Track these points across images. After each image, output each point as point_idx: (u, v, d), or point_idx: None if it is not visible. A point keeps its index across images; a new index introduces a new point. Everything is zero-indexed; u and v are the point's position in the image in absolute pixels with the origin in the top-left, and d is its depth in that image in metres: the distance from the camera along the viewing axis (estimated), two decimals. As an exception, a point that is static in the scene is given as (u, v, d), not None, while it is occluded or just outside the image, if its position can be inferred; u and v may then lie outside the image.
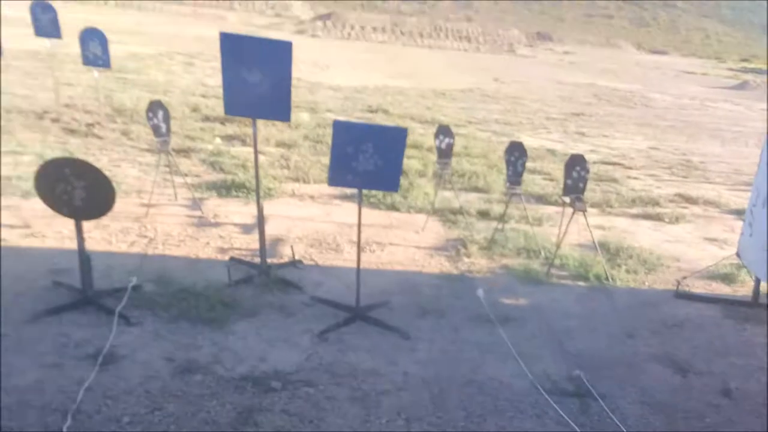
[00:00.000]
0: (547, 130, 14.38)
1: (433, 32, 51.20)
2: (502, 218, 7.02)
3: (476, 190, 8.79)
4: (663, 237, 7.50)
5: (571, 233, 6.40)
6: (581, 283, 5.95)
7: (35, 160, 7.58)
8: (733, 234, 7.63)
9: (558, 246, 6.33)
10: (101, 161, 8.08)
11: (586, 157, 6.34)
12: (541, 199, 8.62)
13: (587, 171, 6.16)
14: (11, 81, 12.68)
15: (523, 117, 15.90)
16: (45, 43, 10.67)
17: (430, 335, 4.69)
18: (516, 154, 6.54)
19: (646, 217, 8.21)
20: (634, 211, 8.44)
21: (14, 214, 6.10)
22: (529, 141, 12.27)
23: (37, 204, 5.22)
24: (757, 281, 5.68)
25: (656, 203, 8.75)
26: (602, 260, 6.23)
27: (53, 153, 8.06)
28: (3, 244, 5.40)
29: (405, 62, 29.21)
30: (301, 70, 20.29)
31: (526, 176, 8.54)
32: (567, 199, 6.24)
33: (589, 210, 7.70)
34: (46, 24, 10.14)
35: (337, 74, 21.22)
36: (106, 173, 4.43)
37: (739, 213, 8.48)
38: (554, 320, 5.14)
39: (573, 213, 6.18)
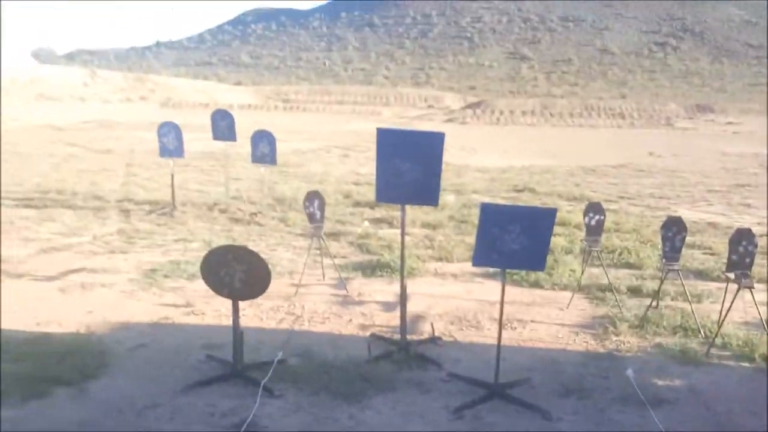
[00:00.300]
0: (707, 202, 13.50)
1: (584, 111, 50.51)
2: (656, 295, 6.63)
3: (627, 266, 8.40)
4: None
5: (735, 311, 5.89)
6: (745, 365, 5.41)
7: (202, 246, 8.42)
8: None
9: (720, 324, 5.83)
10: (260, 246, 8.79)
11: (753, 230, 5.91)
12: (701, 275, 8.03)
13: (755, 246, 5.72)
14: (188, 178, 14.31)
15: (680, 190, 15.06)
16: (221, 146, 11.99)
17: (572, 416, 4.48)
18: (674, 229, 6.24)
19: (825, 292, 7.33)
20: (812, 286, 7.57)
21: (179, 294, 6.79)
22: (687, 214, 11.56)
23: (200, 285, 5.81)
24: None
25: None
26: (772, 340, 5.64)
27: (218, 240, 8.92)
28: (165, 321, 6.01)
29: (554, 142, 29.02)
30: (449, 154, 20.88)
31: (685, 251, 8.05)
32: (731, 275, 5.79)
33: (758, 286, 7.07)
34: (223, 129, 11.43)
35: (484, 157, 21.55)
36: (263, 257, 4.85)
37: None
38: (713, 403, 4.70)
39: (738, 289, 5.70)
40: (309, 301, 6.70)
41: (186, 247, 8.71)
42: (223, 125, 11.39)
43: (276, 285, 6.87)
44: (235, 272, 4.69)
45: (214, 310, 6.24)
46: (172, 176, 10.97)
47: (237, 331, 4.81)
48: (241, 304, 4.96)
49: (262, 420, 4.26)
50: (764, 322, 5.83)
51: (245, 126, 14.14)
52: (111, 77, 52.97)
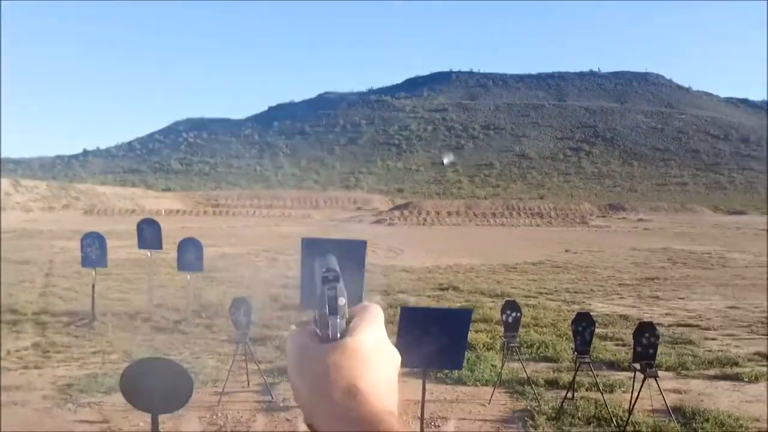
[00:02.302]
0: (619, 295, 14.23)
1: (506, 211, 52.73)
2: (570, 387, 6.94)
3: (545, 359, 8.73)
4: (742, 397, 7.12)
5: (644, 399, 6.25)
6: (654, 450, 5.69)
7: (122, 358, 8.25)
8: (822, 390, 7.16)
9: (630, 413, 6.15)
10: (183, 354, 8.67)
11: (661, 320, 6.38)
12: (613, 365, 8.44)
13: (657, 338, 6.16)
14: (110, 287, 14.01)
15: (594, 284, 15.84)
16: (147, 254, 11.89)
17: None
18: (583, 323, 6.65)
19: (724, 377, 7.84)
20: (712, 372, 8.09)
21: (95, 410, 6.59)
22: (600, 307, 12.18)
23: (118, 398, 5.71)
24: None
25: (735, 363, 8.38)
26: (677, 426, 5.99)
27: (140, 350, 8.75)
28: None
29: (477, 241, 30.03)
30: (376, 255, 21.28)
31: (597, 343, 8.48)
32: (637, 366, 6.18)
33: (664, 373, 7.52)
34: (149, 237, 11.36)
35: (411, 257, 22.05)
36: (186, 366, 4.88)
37: (829, 368, 7.97)
38: (623, 490, 4.91)
39: (644, 379, 6.09)
40: (233, 409, 6.63)
41: (104, 359, 8.49)
42: (148, 233, 11.36)
43: (199, 394, 6.80)
44: (155, 385, 4.69)
45: (132, 426, 6.08)
46: (93, 286, 10.77)
47: (156, 444, 4.75)
48: (162, 416, 4.93)
49: None
50: (669, 409, 6.18)
51: (172, 232, 14.16)
52: (34, 186, 51.74)
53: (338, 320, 0.66)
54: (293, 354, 0.64)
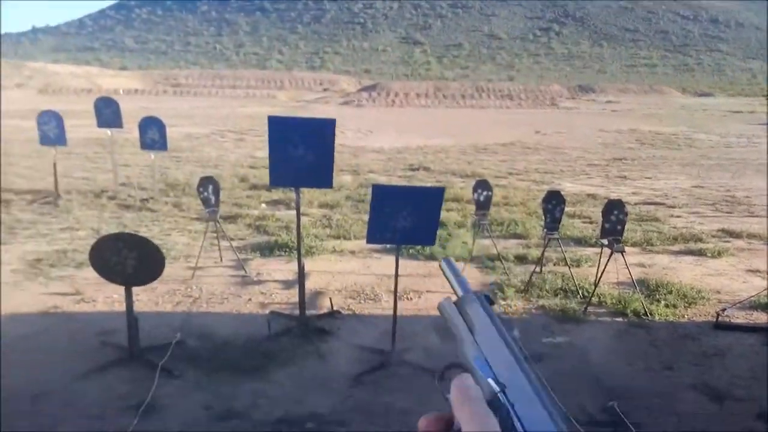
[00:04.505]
0: (588, 175, 14.40)
1: (475, 93, 52.10)
2: (539, 261, 7.09)
3: (515, 236, 8.88)
4: (704, 271, 7.39)
5: (610, 273, 6.41)
6: (619, 320, 5.92)
7: (90, 234, 8.12)
8: (779, 264, 7.45)
9: (596, 285, 6.33)
10: (153, 232, 8.57)
11: (628, 199, 6.43)
12: (581, 241, 8.62)
13: (625, 215, 6.24)
14: (72, 166, 13.61)
15: (563, 165, 15.96)
16: (107, 132, 11.45)
17: (464, 375, 4.74)
18: (554, 201, 6.69)
19: (688, 253, 8.11)
20: (676, 248, 8.35)
21: (67, 283, 6.53)
22: (569, 187, 12.32)
23: (89, 273, 5.63)
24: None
25: (699, 239, 8.64)
26: (641, 296, 6.20)
27: (108, 227, 8.61)
28: (55, 310, 5.79)
29: (447, 123, 29.79)
30: (345, 136, 21.00)
31: (565, 220, 8.60)
32: (605, 241, 6.29)
33: (630, 249, 7.71)
34: (108, 116, 10.89)
35: (380, 138, 21.82)
36: (157, 242, 4.78)
37: (786, 243, 8.28)
38: (591, 355, 5.13)
39: (611, 254, 6.22)
40: (206, 283, 6.64)
41: (73, 235, 8.34)
42: (107, 112, 10.88)
43: (171, 269, 6.77)
44: (127, 259, 4.60)
45: (106, 297, 6.06)
46: (55, 164, 10.41)
47: (131, 315, 4.72)
48: (135, 289, 4.88)
49: (161, 400, 4.24)
50: (634, 281, 6.38)
51: (133, 111, 13.62)
52: (-18, 63, 49.04)
53: None
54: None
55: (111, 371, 4.61)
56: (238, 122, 27.00)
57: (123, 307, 4.77)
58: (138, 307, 5.46)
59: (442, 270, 0.81)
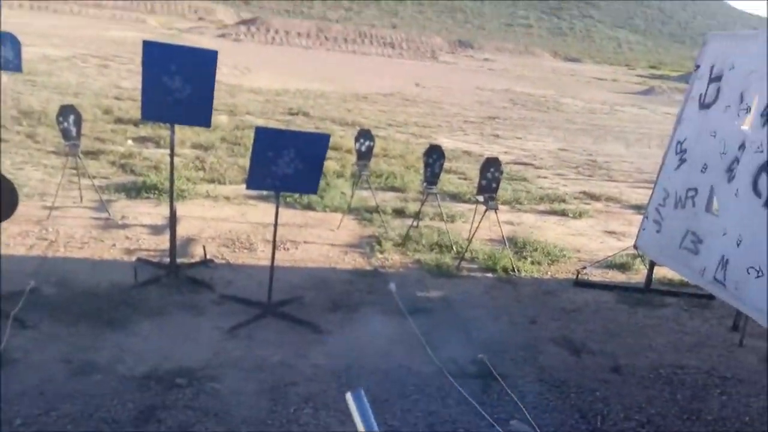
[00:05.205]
0: (464, 132, 14.77)
1: (358, 38, 51.53)
2: (417, 216, 7.19)
3: (393, 189, 8.94)
4: (567, 231, 7.87)
5: (482, 229, 6.65)
6: (489, 275, 6.17)
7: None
8: (631, 227, 8.06)
9: (469, 241, 6.54)
10: (3, 164, 7.74)
11: (500, 158, 6.62)
12: (456, 197, 8.85)
13: (501, 173, 6.43)
14: None
15: (441, 120, 16.26)
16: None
17: (340, 329, 4.75)
18: (434, 156, 6.74)
19: (552, 213, 8.59)
20: (542, 207, 8.81)
21: None
22: (446, 143, 12.56)
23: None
24: (650, 269, 6.04)
25: (562, 200, 9.17)
26: (509, 253, 6.48)
27: (-51, 156, 7.69)
28: None
29: (328, 67, 29.29)
30: (221, 73, 20.01)
31: (442, 176, 8.75)
32: (480, 198, 6.47)
33: (501, 206, 7.99)
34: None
35: (259, 78, 21.05)
36: (8, 176, 4.29)
37: (638, 208, 8.98)
38: (462, 310, 5.31)
39: (485, 211, 6.42)
40: (64, 225, 6.12)
41: None
42: (-52, 22, 9.59)
43: (25, 208, 6.18)
44: (-28, 193, 4.10)
45: (-54, 237, 5.43)
46: None
47: (-24, 259, 4.26)
48: (-19, 229, 4.38)
49: (13, 353, 3.88)
50: (504, 239, 6.65)
51: (-21, 25, 12.07)
52: None
53: None
54: None
55: (-49, 321, 4.15)
56: (103, 46, 24.96)
57: (-34, 250, 4.28)
58: (-16, 249, 4.95)
59: (348, 402, 0.75)
